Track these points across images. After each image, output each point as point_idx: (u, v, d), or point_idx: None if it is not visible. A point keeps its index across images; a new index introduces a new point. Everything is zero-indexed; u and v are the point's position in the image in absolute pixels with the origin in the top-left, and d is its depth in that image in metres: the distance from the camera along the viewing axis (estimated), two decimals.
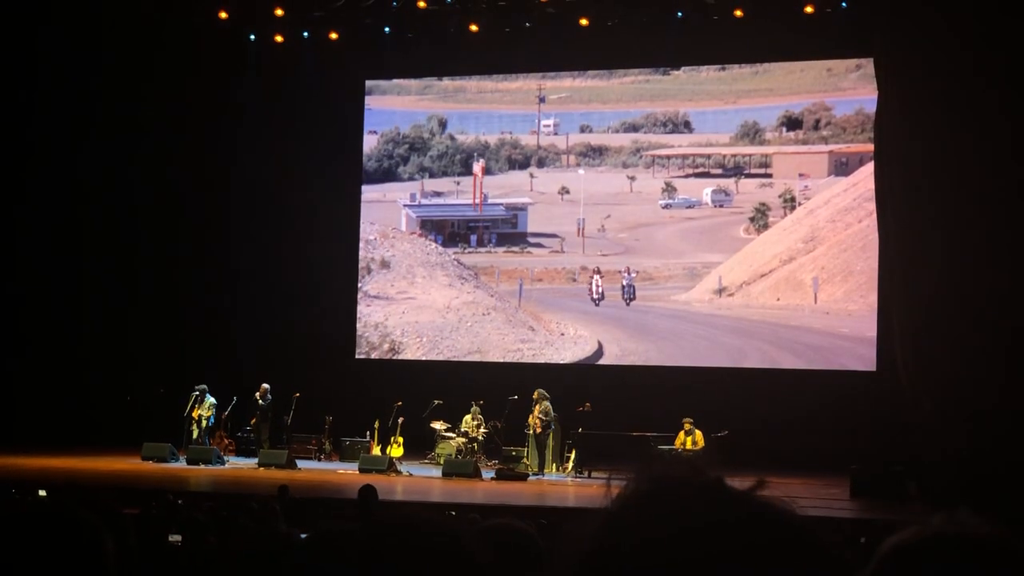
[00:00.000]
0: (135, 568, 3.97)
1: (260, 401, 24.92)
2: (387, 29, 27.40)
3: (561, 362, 27.58)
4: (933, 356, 17.53)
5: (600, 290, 27.61)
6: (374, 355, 28.75)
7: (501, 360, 27.72)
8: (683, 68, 27.54)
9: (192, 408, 24.57)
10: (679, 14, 25.69)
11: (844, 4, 24.74)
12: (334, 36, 27.57)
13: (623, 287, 27.46)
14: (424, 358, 28.40)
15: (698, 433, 22.47)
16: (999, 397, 16.61)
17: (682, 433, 22.56)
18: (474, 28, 26.71)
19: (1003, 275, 16.89)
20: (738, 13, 25.05)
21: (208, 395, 24.67)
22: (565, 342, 27.85)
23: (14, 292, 27.05)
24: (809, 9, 24.85)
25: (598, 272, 27.70)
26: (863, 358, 25.51)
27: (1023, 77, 16.87)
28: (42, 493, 14.61)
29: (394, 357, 28.63)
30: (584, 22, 26.00)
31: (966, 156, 17.05)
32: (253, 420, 25.10)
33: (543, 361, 27.61)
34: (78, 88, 27.34)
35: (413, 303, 28.84)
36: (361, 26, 27.42)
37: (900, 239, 18.56)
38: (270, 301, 27.72)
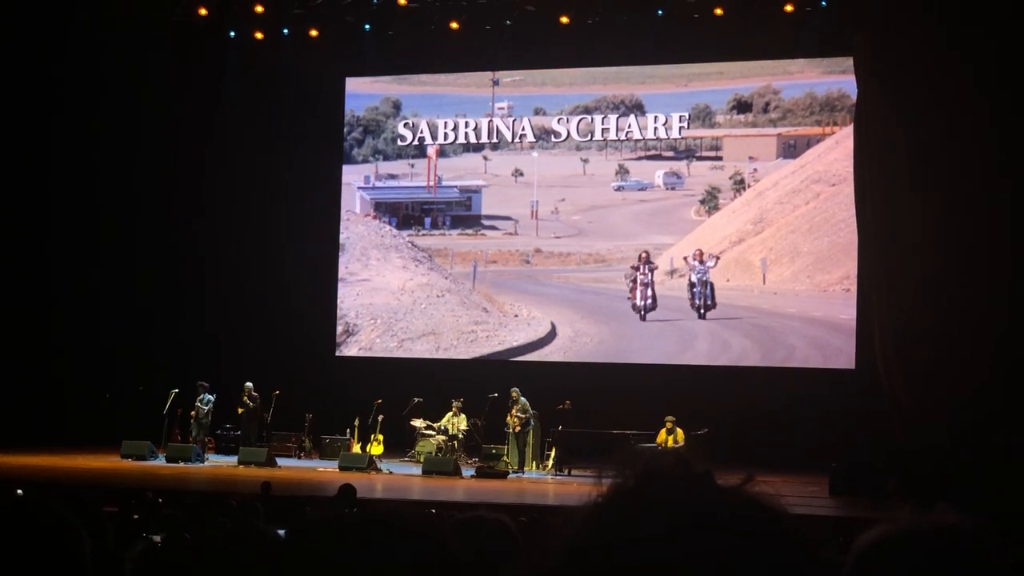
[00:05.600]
0: (113, 565, 3.93)
1: (249, 401, 24.91)
2: (367, 27, 27.32)
3: (515, 344, 27.58)
4: (912, 353, 17.62)
5: (651, 293, 26.86)
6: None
7: (479, 355, 27.76)
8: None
9: (192, 406, 24.63)
10: (659, 12, 25.79)
11: (824, 2, 24.84)
12: (314, 33, 27.50)
13: (692, 285, 26.58)
14: (379, 340, 28.38)
15: (679, 431, 22.53)
16: (978, 394, 16.71)
17: (663, 431, 22.60)
18: (454, 26, 26.71)
19: (984, 271, 16.98)
20: (718, 11, 25.15)
21: (207, 393, 24.68)
22: (519, 324, 27.90)
23: None
24: (789, 8, 24.97)
25: (647, 262, 26.96)
26: (809, 338, 25.87)
27: (1007, 70, 16.95)
28: (19, 492, 14.52)
29: (348, 340, 28.59)
30: (564, 20, 26.04)
31: (947, 154, 17.14)
32: (240, 411, 25.10)
33: (497, 343, 27.70)
34: (59, 86, 27.20)
35: (367, 285, 28.84)
36: (341, 23, 27.36)
37: (881, 234, 18.64)
38: (249, 299, 27.57)
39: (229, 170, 27.70)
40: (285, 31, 27.71)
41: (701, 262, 26.43)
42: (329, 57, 27.84)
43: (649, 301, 26.71)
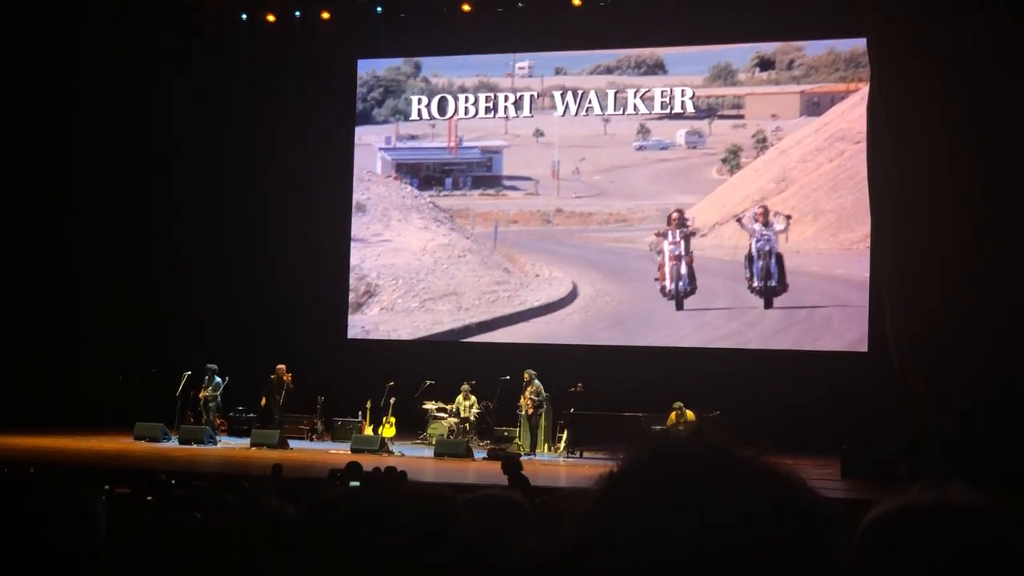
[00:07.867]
0: (126, 545, 3.95)
1: (287, 382, 25.01)
2: (379, 9, 27.26)
3: (536, 304, 27.56)
4: (926, 337, 17.48)
5: (684, 271, 26.14)
6: (350, 297, 28.72)
7: (500, 315, 27.79)
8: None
9: (200, 389, 24.74)
10: None
11: None
12: (326, 16, 27.47)
13: (751, 259, 25.65)
14: (400, 300, 28.43)
15: (689, 414, 22.43)
16: (992, 379, 16.57)
17: (673, 414, 22.51)
18: (466, 8, 26.62)
19: (1001, 254, 16.79)
20: None
21: (216, 376, 24.77)
22: (540, 283, 27.87)
23: (5, 273, 27.05)
24: None
25: (679, 224, 26.51)
26: (831, 295, 25.59)
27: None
28: (32, 471, 14.64)
29: (369, 300, 28.65)
30: (577, 2, 25.90)
31: (964, 136, 16.90)
32: (264, 399, 25.18)
33: (518, 303, 27.69)
34: (70, 68, 27.20)
35: (388, 246, 28.84)
36: (353, 5, 27.28)
37: (894, 219, 18.46)
38: (262, 281, 27.64)
39: (236, 156, 27.75)
40: (297, 13, 27.71)
41: (765, 224, 24.97)
42: (341, 40, 27.76)
43: (683, 283, 25.62)
